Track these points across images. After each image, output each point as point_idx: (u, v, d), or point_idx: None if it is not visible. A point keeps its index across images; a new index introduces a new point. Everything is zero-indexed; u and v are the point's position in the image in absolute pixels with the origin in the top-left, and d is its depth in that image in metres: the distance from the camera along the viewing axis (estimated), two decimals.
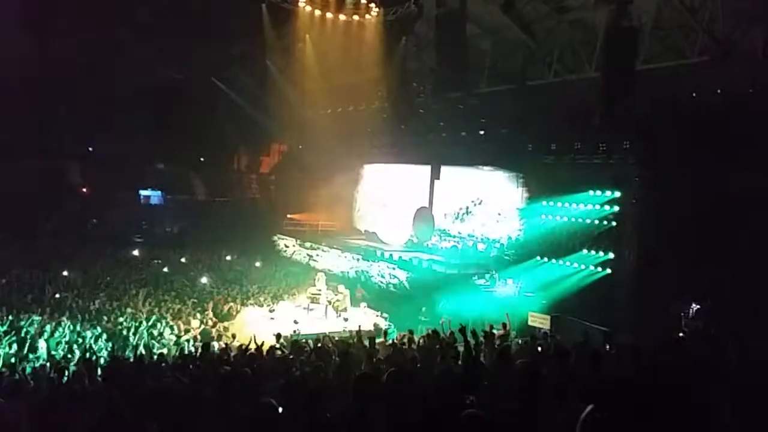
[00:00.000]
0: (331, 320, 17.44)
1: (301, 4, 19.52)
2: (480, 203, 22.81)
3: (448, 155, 23.00)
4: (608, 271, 16.78)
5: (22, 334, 14.25)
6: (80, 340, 14.45)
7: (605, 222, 17.09)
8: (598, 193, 17.12)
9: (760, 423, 4.98)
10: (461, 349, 8.34)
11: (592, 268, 17.12)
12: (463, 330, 8.05)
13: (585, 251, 17.30)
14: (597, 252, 17.09)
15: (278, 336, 12.75)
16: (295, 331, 15.16)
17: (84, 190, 32.26)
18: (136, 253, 26.58)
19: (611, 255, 16.83)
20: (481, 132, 22.33)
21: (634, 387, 5.02)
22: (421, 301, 17.83)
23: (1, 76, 23.38)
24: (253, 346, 11.30)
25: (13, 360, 12.66)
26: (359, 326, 13.61)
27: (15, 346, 13.49)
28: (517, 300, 17.18)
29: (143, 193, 34.21)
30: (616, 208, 16.80)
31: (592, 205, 17.34)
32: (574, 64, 18.49)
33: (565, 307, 16.03)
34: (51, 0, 21.94)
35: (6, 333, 14.19)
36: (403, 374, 5.00)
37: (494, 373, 6.25)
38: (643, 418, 4.15)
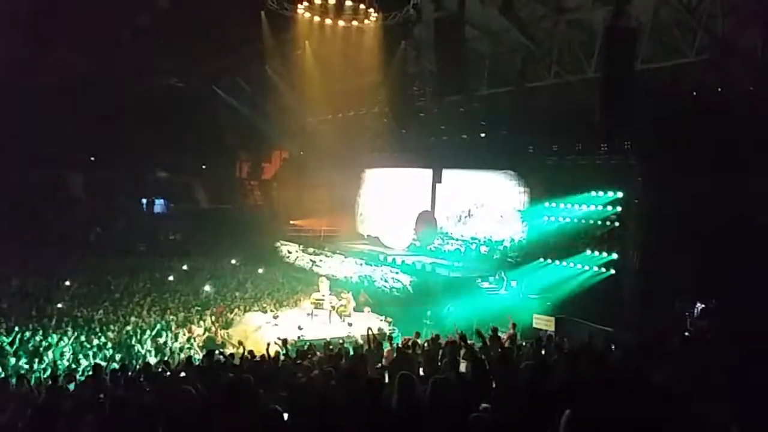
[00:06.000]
0: (335, 325, 17.41)
1: (299, 11, 19.51)
2: (482, 205, 22.81)
3: (450, 158, 23.02)
4: (612, 271, 16.81)
5: (27, 345, 14.27)
6: (85, 350, 14.45)
7: (608, 223, 17.12)
8: (601, 193, 17.15)
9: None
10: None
11: (596, 269, 17.15)
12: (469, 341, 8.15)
13: (588, 252, 17.37)
14: (600, 253, 17.14)
15: (284, 341, 12.70)
16: (299, 337, 15.14)
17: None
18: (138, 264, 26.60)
19: (615, 256, 16.88)
20: (482, 134, 22.38)
21: (637, 389, 5.01)
22: (425, 305, 17.81)
23: (2, 86, 23.44)
24: (258, 353, 11.28)
25: (19, 370, 12.66)
26: (369, 329, 13.20)
27: (21, 357, 13.52)
28: (521, 302, 17.16)
29: (146, 201, 34.32)
30: (619, 209, 16.83)
31: (594, 206, 17.39)
32: (573, 65, 18.50)
33: (570, 309, 16.00)
34: (52, 9, 21.97)
35: (11, 343, 14.20)
36: (411, 379, 5.00)
37: (498, 376, 6.25)
38: (645, 420, 4.14)
